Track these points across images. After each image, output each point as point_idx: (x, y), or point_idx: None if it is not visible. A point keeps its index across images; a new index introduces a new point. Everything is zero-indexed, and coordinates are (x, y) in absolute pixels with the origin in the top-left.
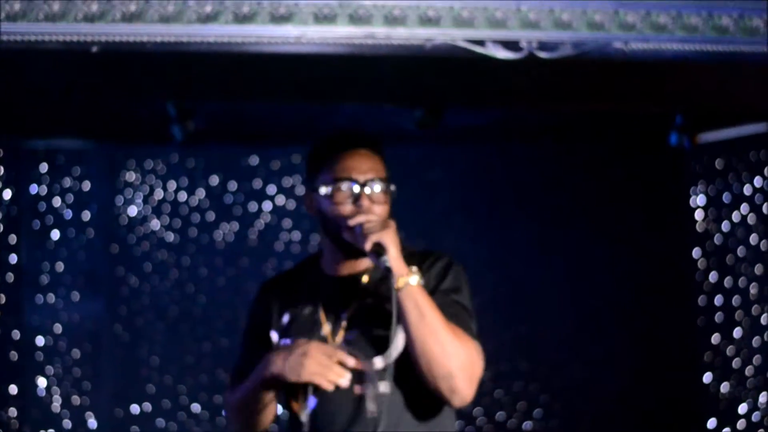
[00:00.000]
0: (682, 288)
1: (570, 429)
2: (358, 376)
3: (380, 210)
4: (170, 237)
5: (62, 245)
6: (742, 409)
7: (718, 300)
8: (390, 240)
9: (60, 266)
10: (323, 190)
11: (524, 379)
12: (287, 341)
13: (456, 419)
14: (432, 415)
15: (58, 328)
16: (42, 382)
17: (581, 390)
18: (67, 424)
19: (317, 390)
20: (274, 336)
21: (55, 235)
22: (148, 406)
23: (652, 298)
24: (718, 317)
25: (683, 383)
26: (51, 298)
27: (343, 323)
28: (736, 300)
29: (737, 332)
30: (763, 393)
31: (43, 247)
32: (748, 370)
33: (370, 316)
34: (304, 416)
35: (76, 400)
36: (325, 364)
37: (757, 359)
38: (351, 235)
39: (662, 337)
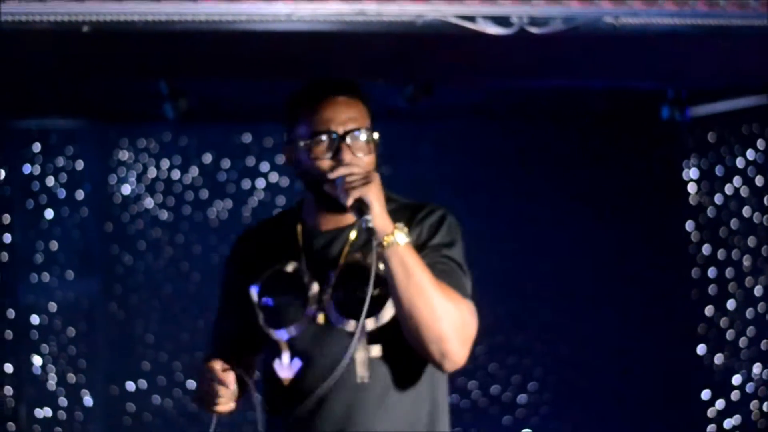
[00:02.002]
0: (676, 260)
1: (564, 402)
2: (348, 339)
3: (365, 161)
4: (164, 215)
5: (56, 224)
6: (736, 380)
7: (712, 272)
8: (374, 195)
9: (54, 245)
10: (302, 143)
11: (518, 353)
12: (269, 300)
13: (449, 390)
14: (424, 380)
15: (52, 306)
16: (37, 360)
17: (575, 363)
18: (62, 401)
19: (301, 352)
20: (254, 292)
21: (49, 214)
22: (143, 384)
23: (646, 270)
24: (712, 289)
25: (677, 355)
26: (45, 277)
27: (332, 282)
28: (729, 272)
29: (731, 304)
30: (757, 364)
31: (36, 226)
32: (742, 342)
33: (360, 274)
34: (287, 380)
35: (71, 378)
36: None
37: (750, 331)
38: (332, 189)
39: (656, 310)
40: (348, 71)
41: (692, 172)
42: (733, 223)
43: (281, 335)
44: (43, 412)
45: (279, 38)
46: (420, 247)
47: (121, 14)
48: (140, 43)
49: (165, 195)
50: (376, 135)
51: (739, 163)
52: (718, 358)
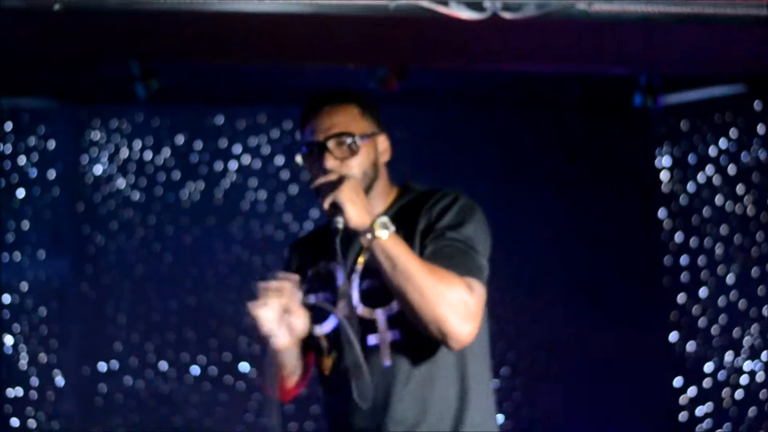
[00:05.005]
0: (648, 248)
1: (536, 386)
2: (371, 327)
3: (354, 163)
4: (136, 196)
5: (28, 204)
6: (708, 368)
7: (684, 260)
8: (344, 197)
9: (26, 225)
10: (299, 159)
11: (491, 338)
12: (310, 298)
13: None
14: (449, 363)
15: (24, 286)
16: (9, 340)
17: (547, 348)
18: (34, 381)
19: (336, 344)
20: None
21: (21, 193)
22: (115, 364)
23: (618, 258)
24: (684, 277)
25: (649, 343)
26: (17, 256)
27: (355, 274)
28: (701, 260)
29: (703, 292)
30: (729, 352)
31: (8, 205)
32: (714, 329)
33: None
34: (327, 370)
35: (43, 358)
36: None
37: (722, 318)
38: (319, 197)
39: (628, 297)
40: (320, 53)
41: (665, 160)
42: (706, 211)
43: (321, 330)
44: (15, 392)
45: (251, 19)
46: (427, 230)
47: None
48: (112, 22)
49: (137, 176)
50: (359, 138)
51: (712, 151)
52: (690, 346)
